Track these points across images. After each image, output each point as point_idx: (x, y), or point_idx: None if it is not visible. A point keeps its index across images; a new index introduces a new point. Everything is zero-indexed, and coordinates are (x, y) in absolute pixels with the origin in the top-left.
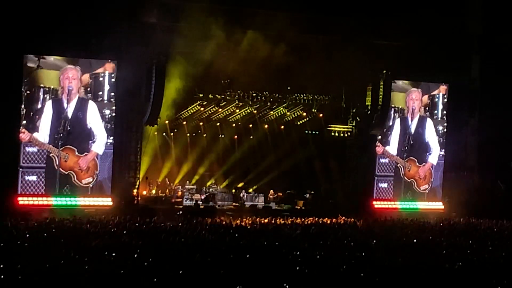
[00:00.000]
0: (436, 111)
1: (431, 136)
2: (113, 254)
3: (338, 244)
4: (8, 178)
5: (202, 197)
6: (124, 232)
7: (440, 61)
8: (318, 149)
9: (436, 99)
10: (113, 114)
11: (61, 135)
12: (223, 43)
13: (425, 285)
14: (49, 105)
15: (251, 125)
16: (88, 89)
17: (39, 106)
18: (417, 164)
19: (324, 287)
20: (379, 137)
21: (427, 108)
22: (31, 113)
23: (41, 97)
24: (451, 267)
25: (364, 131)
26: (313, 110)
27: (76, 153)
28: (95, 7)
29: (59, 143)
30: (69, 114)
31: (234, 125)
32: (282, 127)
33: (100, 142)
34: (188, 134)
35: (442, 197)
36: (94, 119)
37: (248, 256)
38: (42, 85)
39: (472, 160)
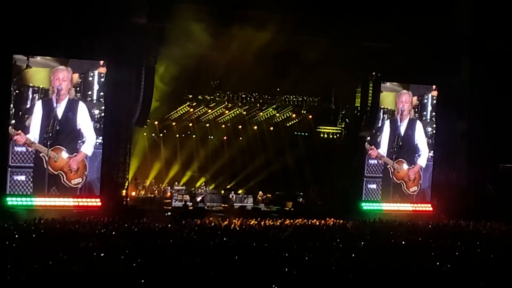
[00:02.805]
0: (425, 113)
1: (420, 138)
2: (102, 255)
3: (327, 246)
4: None
5: (198, 199)
6: (113, 233)
7: (430, 63)
8: (308, 150)
9: (426, 101)
10: (102, 114)
11: (51, 135)
12: (212, 44)
13: (414, 287)
14: (38, 105)
15: (240, 126)
16: (78, 88)
17: (28, 105)
18: (406, 165)
19: None
20: (368, 138)
21: (416, 110)
22: (20, 113)
23: (30, 96)
24: (440, 269)
25: (354, 132)
26: (302, 111)
27: (66, 153)
28: (85, 7)
29: (49, 143)
30: (59, 114)
31: (223, 126)
32: (272, 128)
33: (89, 143)
34: (178, 135)
35: (431, 199)
36: (84, 120)
37: (236, 257)
38: (31, 84)
39: (461, 162)
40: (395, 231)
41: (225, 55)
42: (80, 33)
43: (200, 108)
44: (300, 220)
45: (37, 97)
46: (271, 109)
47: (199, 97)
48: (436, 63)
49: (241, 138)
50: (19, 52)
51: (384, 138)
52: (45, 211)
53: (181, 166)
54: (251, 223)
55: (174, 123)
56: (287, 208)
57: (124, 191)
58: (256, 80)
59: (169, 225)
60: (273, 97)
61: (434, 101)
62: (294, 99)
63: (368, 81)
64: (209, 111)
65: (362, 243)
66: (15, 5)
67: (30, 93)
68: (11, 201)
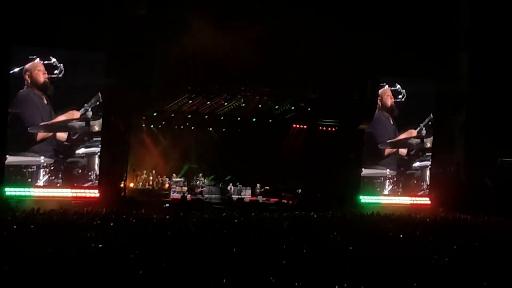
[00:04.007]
0: (422, 106)
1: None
2: (100, 246)
3: (324, 238)
4: None
5: (196, 191)
6: (111, 224)
7: (428, 57)
8: (306, 143)
9: (422, 94)
10: (100, 105)
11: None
12: (211, 36)
13: (411, 280)
14: (33, 93)
15: (239, 118)
16: (76, 79)
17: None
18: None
19: (310, 281)
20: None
21: (411, 103)
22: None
23: (26, 84)
24: (438, 263)
25: (351, 125)
26: (301, 104)
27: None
28: None
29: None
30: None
31: (222, 118)
32: (270, 120)
33: None
34: (176, 127)
35: (429, 193)
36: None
37: (234, 249)
38: (29, 73)
39: (459, 156)
40: (393, 224)
41: (224, 47)
42: (79, 24)
43: (199, 99)
44: (298, 212)
45: (35, 85)
46: (270, 102)
47: (198, 88)
48: (435, 57)
49: (239, 130)
50: (18, 43)
51: (382, 130)
52: (43, 202)
53: (180, 157)
54: (249, 215)
55: (172, 115)
56: (285, 201)
57: (122, 183)
58: (254, 72)
59: (167, 217)
60: (272, 89)
61: (433, 94)
62: (293, 92)
63: (367, 74)
64: (208, 103)
65: (360, 236)
66: None
67: (28, 82)
68: (9, 191)
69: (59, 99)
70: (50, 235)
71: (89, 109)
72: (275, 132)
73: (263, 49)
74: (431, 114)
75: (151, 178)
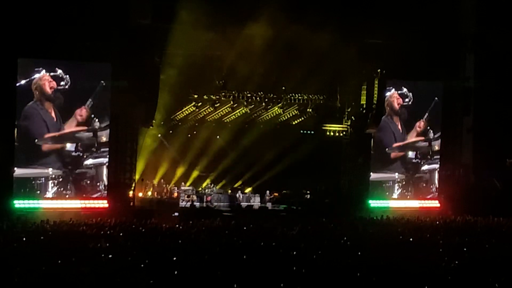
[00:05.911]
0: (429, 108)
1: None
2: (110, 256)
3: (334, 244)
4: (4, 180)
5: (205, 199)
6: (121, 234)
7: (434, 60)
8: (314, 148)
9: (430, 97)
10: (108, 115)
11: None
12: (217, 44)
13: (422, 284)
14: (42, 107)
15: (246, 126)
16: (82, 90)
17: (35, 107)
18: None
19: (320, 287)
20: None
21: (418, 106)
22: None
23: (35, 97)
24: (448, 266)
25: (359, 130)
26: (308, 109)
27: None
28: (89, 9)
29: None
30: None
31: (229, 125)
32: (278, 127)
33: None
34: (184, 135)
35: (438, 195)
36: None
37: (244, 256)
38: (35, 85)
39: (467, 158)
40: (402, 228)
41: (230, 55)
42: (84, 35)
43: (206, 108)
44: (307, 218)
45: (41, 97)
46: (276, 108)
47: (204, 97)
48: (441, 59)
49: (247, 137)
50: (24, 55)
51: (390, 135)
52: (52, 213)
53: (188, 166)
54: (259, 222)
55: (180, 123)
56: (294, 207)
57: (131, 192)
58: (261, 79)
59: (177, 226)
60: (278, 96)
61: (439, 97)
62: (300, 98)
63: (374, 78)
64: (215, 110)
65: (370, 240)
66: (20, 9)
67: (34, 94)
68: (18, 203)
69: (66, 110)
70: (60, 246)
71: (96, 120)
72: (283, 139)
73: (268, 56)
74: (438, 116)
75: (160, 187)
